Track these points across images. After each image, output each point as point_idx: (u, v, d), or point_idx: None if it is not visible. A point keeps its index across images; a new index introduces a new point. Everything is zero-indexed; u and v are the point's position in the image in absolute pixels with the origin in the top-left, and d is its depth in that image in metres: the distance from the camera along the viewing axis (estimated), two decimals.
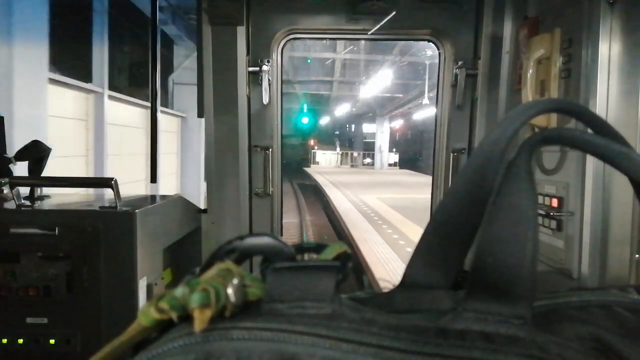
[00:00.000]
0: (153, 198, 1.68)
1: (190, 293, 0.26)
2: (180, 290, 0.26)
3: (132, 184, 7.83)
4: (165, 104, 9.92)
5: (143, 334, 0.27)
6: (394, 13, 1.83)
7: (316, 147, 38.92)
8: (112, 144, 7.27)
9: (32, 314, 1.33)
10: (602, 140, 0.30)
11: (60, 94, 6.01)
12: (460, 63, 1.88)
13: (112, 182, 1.39)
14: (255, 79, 1.90)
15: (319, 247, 0.32)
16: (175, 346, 0.25)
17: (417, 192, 14.57)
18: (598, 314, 0.31)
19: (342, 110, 30.78)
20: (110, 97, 7.30)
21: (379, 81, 19.80)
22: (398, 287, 0.34)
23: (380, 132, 33.05)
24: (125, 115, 8.14)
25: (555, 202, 1.35)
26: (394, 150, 37.16)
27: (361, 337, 0.25)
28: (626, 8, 1.15)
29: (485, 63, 1.82)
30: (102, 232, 1.31)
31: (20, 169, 1.64)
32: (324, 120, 35.65)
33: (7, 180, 1.46)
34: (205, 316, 0.25)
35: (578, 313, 0.31)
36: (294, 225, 11.01)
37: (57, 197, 1.64)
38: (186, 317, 0.26)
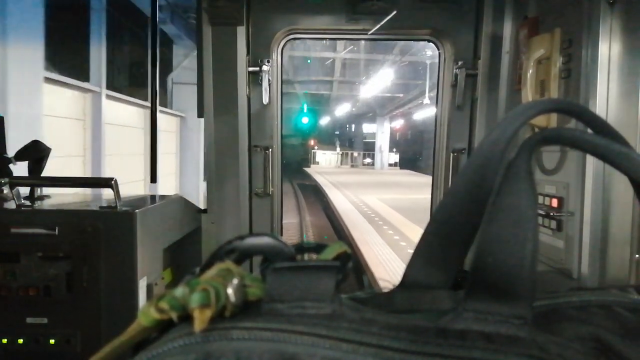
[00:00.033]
0: (153, 198, 1.68)
1: (190, 293, 0.26)
2: (180, 290, 0.26)
3: (131, 184, 7.83)
4: (164, 103, 9.90)
5: (143, 334, 0.27)
6: (394, 13, 1.83)
7: (316, 147, 38.92)
8: (110, 143, 7.26)
9: (32, 314, 1.33)
10: (602, 140, 0.30)
11: (57, 93, 5.98)
12: (460, 63, 1.88)
13: (112, 182, 1.39)
14: (255, 79, 1.90)
15: (319, 247, 0.32)
16: (175, 346, 0.25)
17: (418, 192, 14.55)
18: (598, 314, 0.31)
19: (342, 110, 30.76)
20: (108, 96, 7.29)
21: (379, 81, 19.80)
22: (398, 287, 0.34)
23: (381, 132, 33.04)
24: (124, 115, 8.12)
25: (555, 202, 1.35)
26: (394, 150, 37.17)
27: (361, 337, 0.25)
28: (626, 8, 1.15)
29: (485, 63, 1.82)
30: (102, 232, 1.31)
31: (20, 169, 1.64)
32: (324, 120, 35.64)
33: (7, 180, 1.46)
34: (205, 316, 0.25)
35: (578, 313, 0.31)
36: (294, 225, 11.00)
37: (57, 197, 1.64)
38: (186, 317, 0.26)
